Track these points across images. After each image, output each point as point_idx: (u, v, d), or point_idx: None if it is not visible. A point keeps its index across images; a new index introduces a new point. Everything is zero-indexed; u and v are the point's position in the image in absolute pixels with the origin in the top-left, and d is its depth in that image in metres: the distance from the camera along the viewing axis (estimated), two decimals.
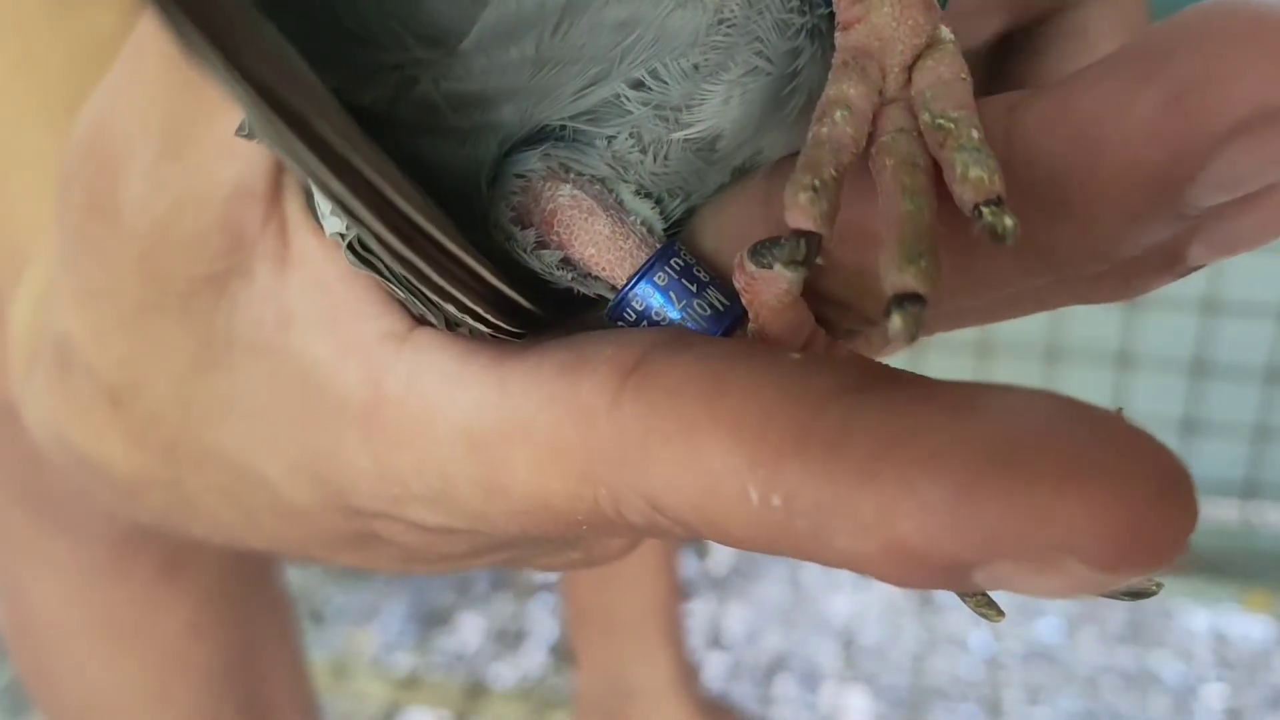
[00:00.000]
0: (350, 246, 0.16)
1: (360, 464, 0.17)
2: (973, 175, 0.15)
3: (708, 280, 0.17)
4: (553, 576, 1.39)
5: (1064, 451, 0.11)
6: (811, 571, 1.46)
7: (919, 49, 0.16)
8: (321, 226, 0.17)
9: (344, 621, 1.28)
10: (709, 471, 0.13)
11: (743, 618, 1.42)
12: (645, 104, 0.17)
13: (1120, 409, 0.15)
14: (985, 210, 0.14)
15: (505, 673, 1.37)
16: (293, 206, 0.17)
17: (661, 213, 0.18)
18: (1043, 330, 1.15)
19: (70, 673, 0.64)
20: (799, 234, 0.14)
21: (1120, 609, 1.27)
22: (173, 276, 0.17)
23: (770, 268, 0.15)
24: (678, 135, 0.18)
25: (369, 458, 0.17)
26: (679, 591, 0.94)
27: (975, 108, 0.16)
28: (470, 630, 1.46)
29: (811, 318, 0.17)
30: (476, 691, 1.07)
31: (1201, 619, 1.42)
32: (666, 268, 0.17)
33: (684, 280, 0.17)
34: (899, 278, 0.14)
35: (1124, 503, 0.11)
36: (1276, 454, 1.15)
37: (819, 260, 0.14)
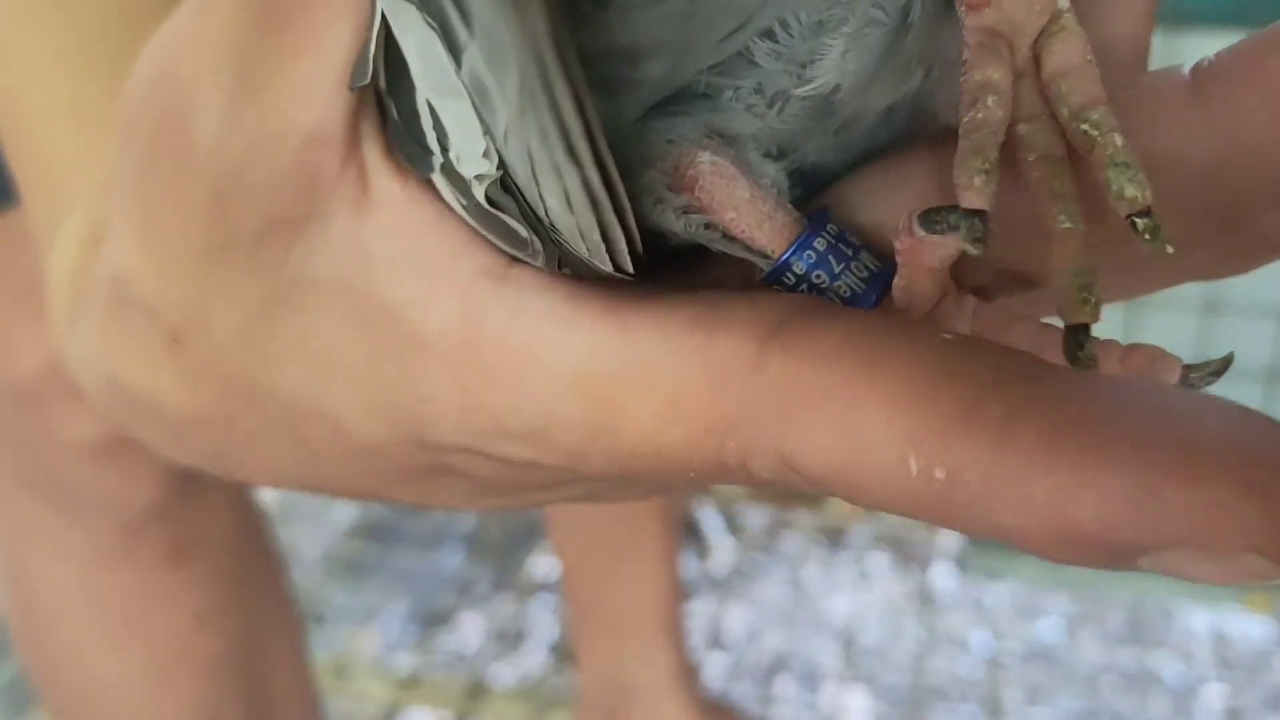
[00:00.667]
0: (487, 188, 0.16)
1: (446, 401, 0.17)
2: (1129, 194, 0.16)
3: (859, 245, 0.18)
4: (553, 576, 1.39)
5: (1245, 453, 0.12)
6: (812, 572, 1.46)
7: (1043, 27, 0.18)
8: (405, 168, 0.17)
9: (345, 622, 1.28)
10: (863, 438, 0.14)
11: (743, 618, 1.43)
12: (774, 56, 0.17)
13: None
14: (1139, 222, 0.16)
15: (506, 672, 1.37)
16: (371, 152, 0.17)
17: (786, 171, 0.19)
18: None
19: (74, 660, 0.64)
20: (973, 213, 0.16)
21: (1120, 609, 1.27)
22: (246, 218, 0.17)
23: (943, 234, 0.16)
24: (800, 90, 0.18)
25: (459, 395, 0.17)
26: (679, 591, 0.94)
27: (1105, 97, 0.17)
28: (471, 630, 1.46)
29: (949, 278, 0.18)
30: (477, 691, 1.07)
31: (1202, 619, 1.42)
32: (824, 233, 0.18)
33: (840, 245, 0.18)
34: (1075, 315, 0.16)
35: None
36: None
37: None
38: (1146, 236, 0.16)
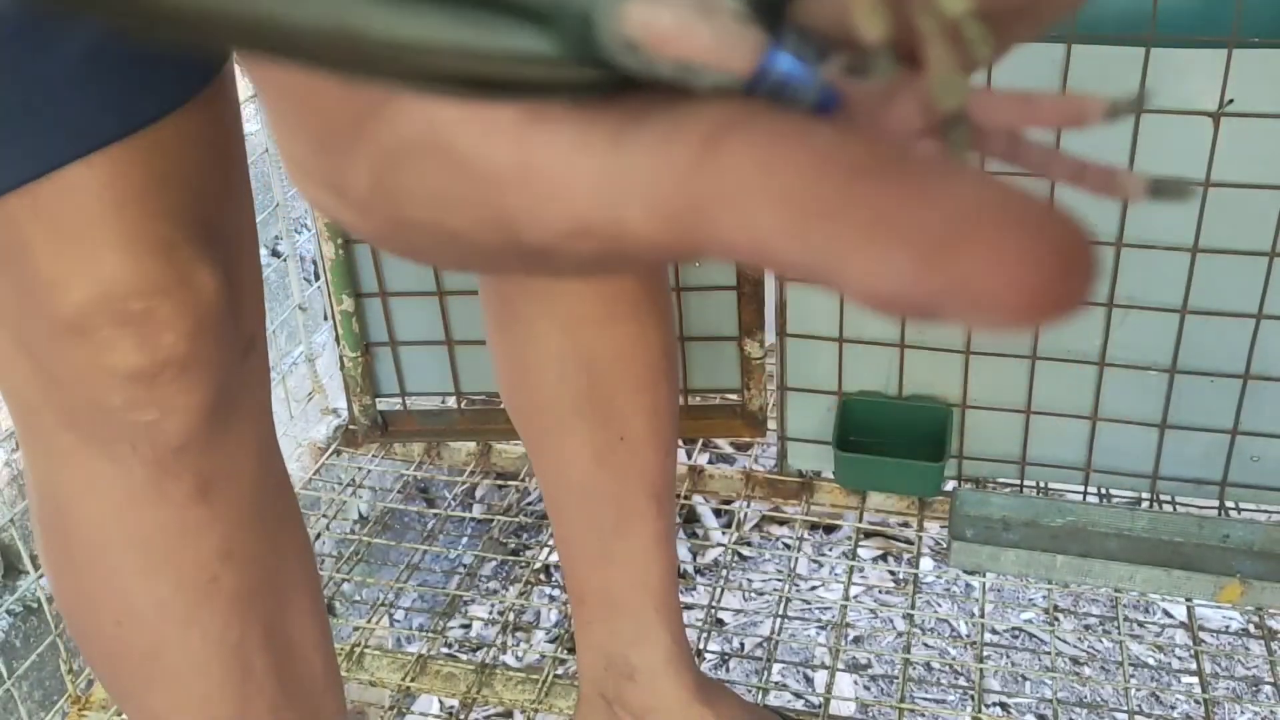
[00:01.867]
0: None
1: (522, 216, 0.22)
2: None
3: (820, 53, 0.21)
4: (554, 558, 1.42)
5: (991, 237, 0.17)
6: (805, 563, 1.50)
7: None
8: None
9: (356, 613, 1.32)
10: (763, 227, 0.18)
11: (737, 607, 1.46)
12: None
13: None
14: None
15: (511, 659, 1.41)
16: None
17: None
18: (1027, 334, 1.19)
19: (107, 591, 0.67)
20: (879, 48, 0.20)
21: (1100, 601, 1.32)
22: (337, 111, 0.23)
23: (863, 76, 0.20)
24: None
25: (528, 212, 0.22)
26: (676, 572, 0.93)
27: None
28: (478, 619, 1.49)
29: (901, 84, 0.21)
30: (484, 677, 1.11)
31: (1179, 610, 1.46)
32: (783, 51, 0.21)
33: (795, 64, 0.21)
34: (944, 100, 0.19)
35: (1031, 282, 0.16)
36: (1251, 451, 1.20)
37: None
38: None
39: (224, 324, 0.60)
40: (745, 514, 1.47)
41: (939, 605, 1.44)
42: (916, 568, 1.25)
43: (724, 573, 1.30)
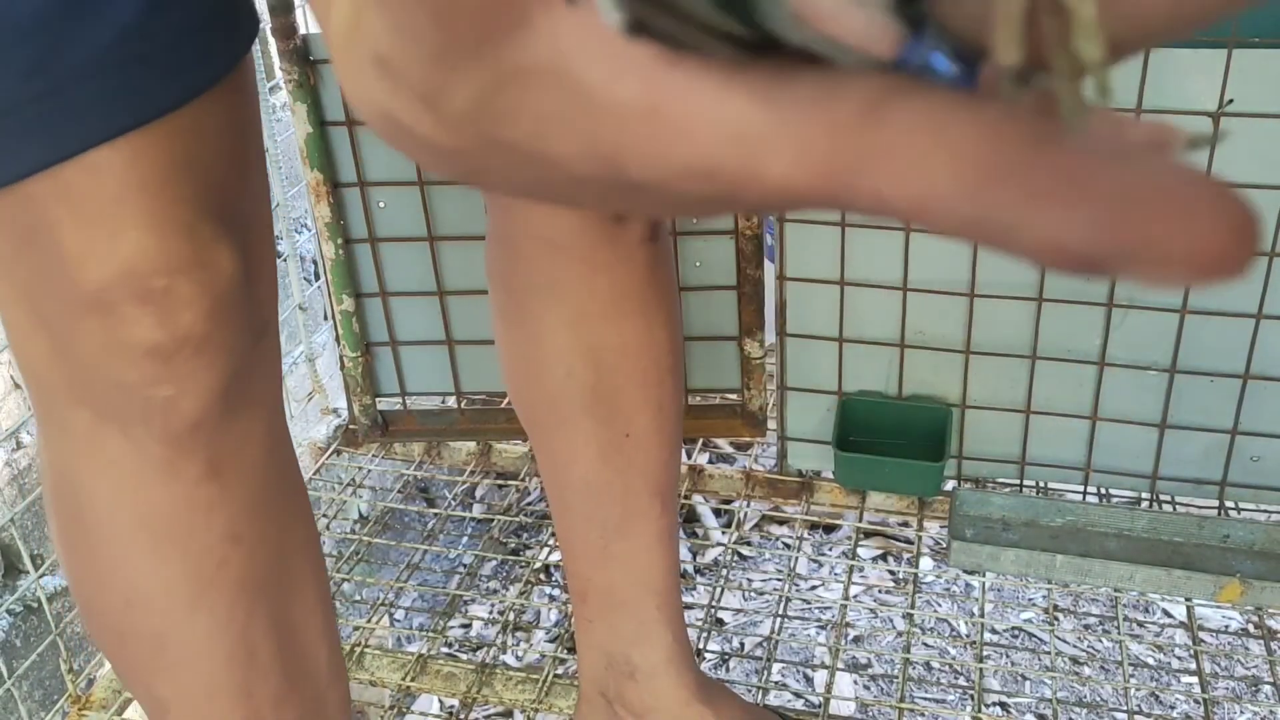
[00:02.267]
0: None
1: (637, 153, 0.23)
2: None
3: (955, 38, 0.22)
4: (554, 558, 1.42)
5: (1187, 205, 0.18)
6: (805, 563, 1.50)
7: None
8: None
9: (357, 613, 1.32)
10: (933, 185, 0.20)
11: (737, 606, 1.47)
12: None
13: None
14: None
15: (511, 659, 1.41)
16: None
17: None
18: (1027, 334, 1.19)
19: (117, 570, 0.68)
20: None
21: (1099, 601, 1.32)
22: (464, 30, 0.23)
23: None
24: None
25: (646, 149, 0.23)
26: (677, 571, 0.93)
27: None
28: (479, 619, 1.49)
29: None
30: (484, 678, 1.11)
31: (1178, 610, 1.46)
32: (926, 36, 0.22)
33: (939, 43, 0.22)
34: (1073, 126, 0.21)
35: (1219, 249, 0.18)
36: (1251, 451, 1.20)
37: None
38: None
39: (240, 306, 0.61)
40: (745, 514, 1.47)
41: (939, 605, 1.44)
42: (916, 567, 1.26)
43: (724, 572, 1.30)
